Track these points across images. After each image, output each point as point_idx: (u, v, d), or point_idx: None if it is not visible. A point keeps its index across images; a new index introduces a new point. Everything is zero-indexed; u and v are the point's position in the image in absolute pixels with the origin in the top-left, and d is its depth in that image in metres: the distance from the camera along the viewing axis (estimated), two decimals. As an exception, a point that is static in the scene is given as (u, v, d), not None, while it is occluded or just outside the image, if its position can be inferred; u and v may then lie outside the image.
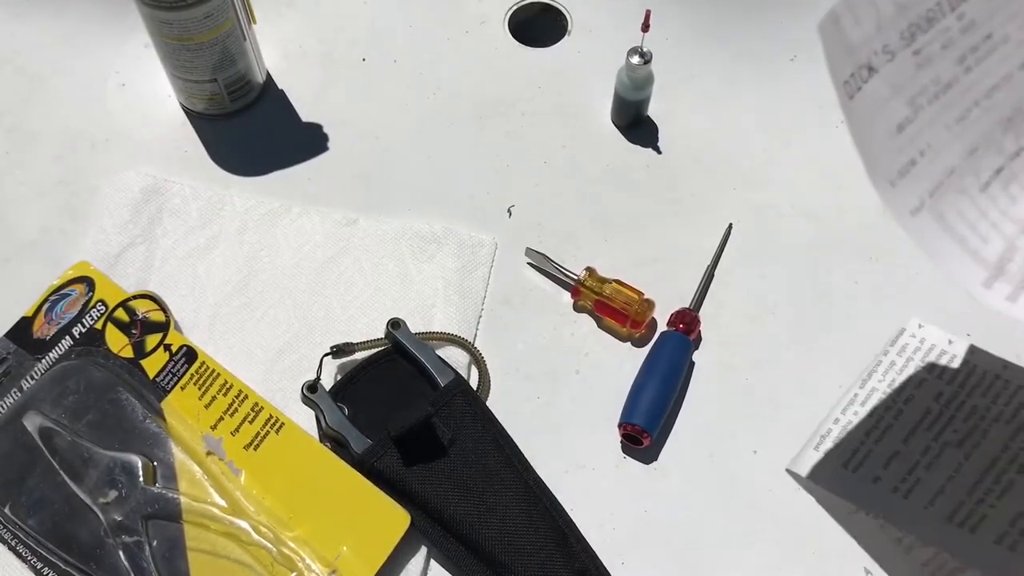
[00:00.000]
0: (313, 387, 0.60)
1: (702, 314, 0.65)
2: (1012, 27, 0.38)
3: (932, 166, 0.38)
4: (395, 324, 0.62)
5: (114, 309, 0.63)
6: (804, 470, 0.52)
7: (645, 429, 0.59)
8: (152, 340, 0.62)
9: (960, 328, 0.64)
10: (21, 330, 0.62)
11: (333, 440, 0.60)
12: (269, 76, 0.75)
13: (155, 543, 0.55)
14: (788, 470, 0.55)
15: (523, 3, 0.79)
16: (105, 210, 0.68)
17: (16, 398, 0.60)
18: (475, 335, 0.65)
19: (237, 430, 0.59)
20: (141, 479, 0.57)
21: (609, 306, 0.64)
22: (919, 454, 0.52)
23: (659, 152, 0.73)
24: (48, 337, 0.62)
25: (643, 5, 0.66)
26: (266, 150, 0.72)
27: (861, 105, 0.37)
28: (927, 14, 0.36)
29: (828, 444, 0.55)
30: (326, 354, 0.62)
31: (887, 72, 0.37)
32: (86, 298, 0.63)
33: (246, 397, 0.60)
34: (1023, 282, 0.39)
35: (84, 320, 0.62)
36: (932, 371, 0.55)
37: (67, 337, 0.62)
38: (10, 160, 0.72)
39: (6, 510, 0.56)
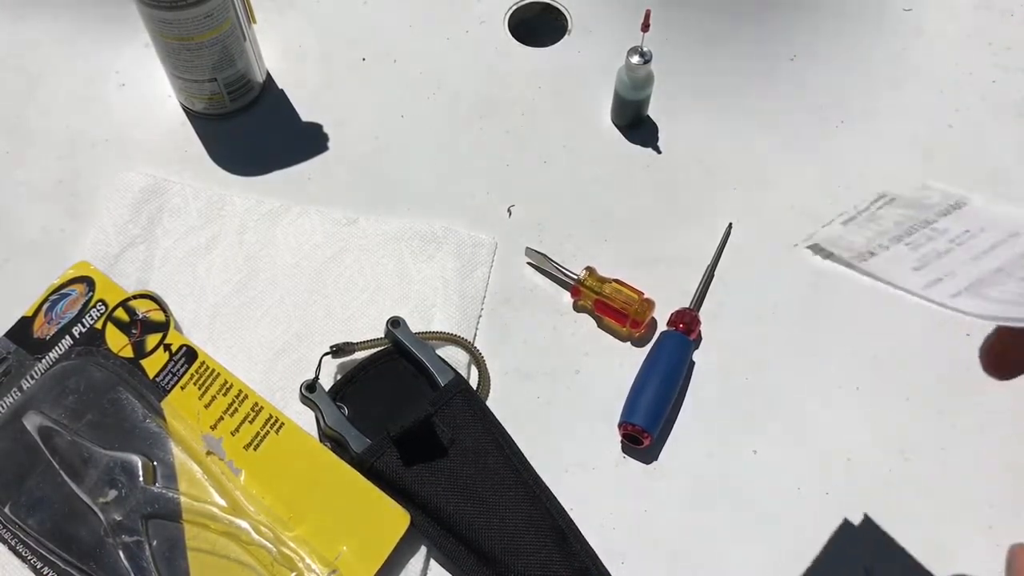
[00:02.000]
0: (311, 387, 0.60)
1: (702, 314, 0.65)
2: (988, 226, 0.43)
3: (959, 278, 0.42)
4: (395, 323, 0.62)
5: (114, 309, 0.63)
6: (826, 240, 0.48)
7: (645, 429, 0.59)
8: (152, 340, 0.62)
9: (959, 328, 0.64)
10: (21, 330, 0.62)
11: (332, 440, 0.60)
12: (269, 76, 0.75)
13: (155, 543, 0.55)
14: (809, 246, 0.50)
15: (523, 3, 0.79)
16: (105, 210, 0.68)
17: (16, 398, 0.60)
18: (475, 335, 0.65)
19: (237, 430, 0.59)
20: (141, 479, 0.57)
21: (609, 306, 0.64)
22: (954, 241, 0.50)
23: (659, 152, 0.73)
24: (48, 337, 0.62)
25: (643, 5, 0.66)
26: (266, 150, 0.72)
27: (875, 265, 0.42)
28: (908, 228, 0.44)
29: (856, 221, 0.51)
30: (325, 353, 0.62)
31: (886, 255, 0.43)
32: (86, 298, 0.63)
33: (246, 397, 0.60)
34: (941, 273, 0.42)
35: (84, 320, 0.62)
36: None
37: (67, 337, 0.62)
38: (10, 160, 0.72)
39: (6, 510, 0.56)
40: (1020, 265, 0.40)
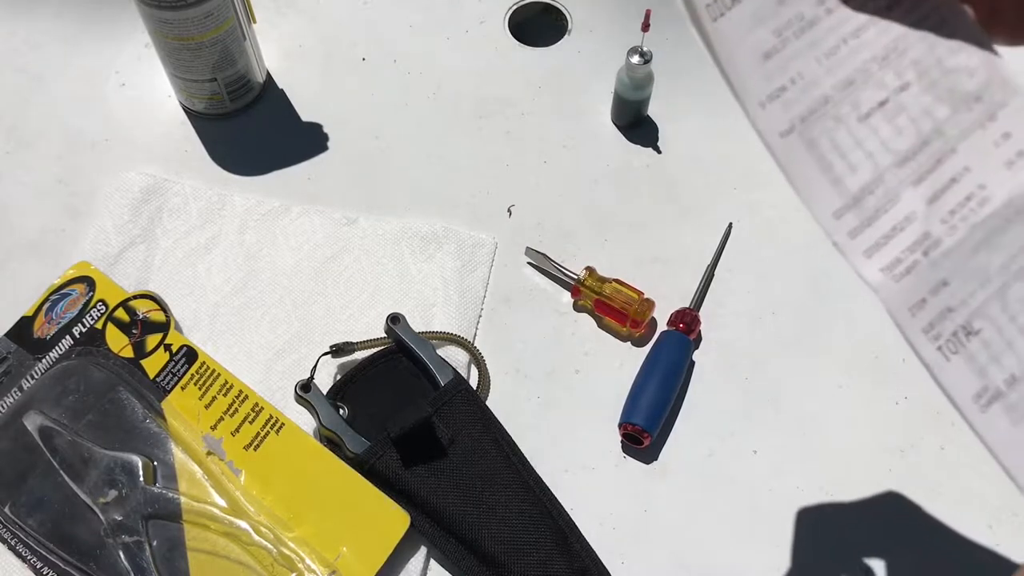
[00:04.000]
0: (307, 386, 0.60)
1: (702, 314, 0.65)
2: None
3: (804, 94, 0.38)
4: (394, 319, 0.62)
5: (114, 309, 0.63)
6: None
7: (645, 429, 0.59)
8: (152, 340, 0.62)
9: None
10: (21, 330, 0.62)
11: (328, 440, 0.60)
12: (269, 76, 0.75)
13: (155, 543, 0.55)
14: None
15: (523, 3, 0.79)
16: (105, 210, 0.68)
17: (16, 398, 0.60)
18: (475, 335, 0.65)
19: (237, 430, 0.59)
20: (141, 479, 0.57)
21: (609, 305, 0.64)
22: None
23: (659, 152, 0.73)
24: (48, 337, 0.62)
25: (643, 5, 0.66)
26: (266, 150, 0.72)
27: (725, 29, 0.37)
28: None
29: None
30: (324, 353, 0.62)
31: (749, 3, 0.37)
32: (86, 298, 0.63)
33: (246, 397, 0.60)
34: (870, 219, 0.37)
35: (84, 320, 0.62)
36: None
37: (67, 337, 0.62)
38: (10, 160, 0.72)
39: (6, 510, 0.56)
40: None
